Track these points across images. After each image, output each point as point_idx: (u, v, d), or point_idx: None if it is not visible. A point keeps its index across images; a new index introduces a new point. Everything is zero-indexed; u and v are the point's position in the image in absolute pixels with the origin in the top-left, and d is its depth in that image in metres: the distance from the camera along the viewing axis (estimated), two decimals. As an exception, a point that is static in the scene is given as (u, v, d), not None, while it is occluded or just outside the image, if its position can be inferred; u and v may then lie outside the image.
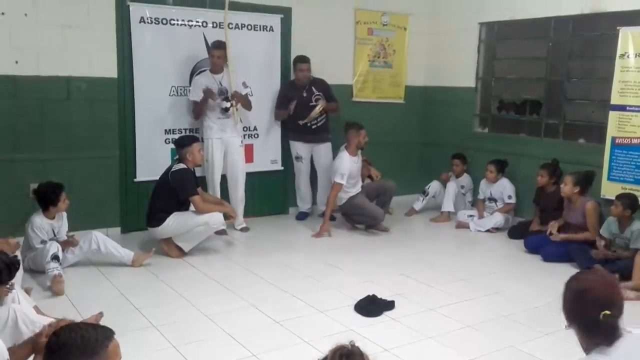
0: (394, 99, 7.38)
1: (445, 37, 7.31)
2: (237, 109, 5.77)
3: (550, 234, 5.37)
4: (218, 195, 5.84)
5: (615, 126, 5.59)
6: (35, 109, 5.23)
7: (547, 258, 5.25)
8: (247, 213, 6.10)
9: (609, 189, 5.62)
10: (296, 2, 6.42)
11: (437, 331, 3.71)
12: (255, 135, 6.38)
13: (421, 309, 4.09)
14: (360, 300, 4.08)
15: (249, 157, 6.17)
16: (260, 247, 5.53)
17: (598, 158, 5.69)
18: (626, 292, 4.32)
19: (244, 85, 5.86)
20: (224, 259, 5.17)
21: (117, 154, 5.66)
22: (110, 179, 5.65)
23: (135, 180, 5.74)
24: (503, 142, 6.74)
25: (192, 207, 5.15)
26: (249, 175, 6.09)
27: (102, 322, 3.45)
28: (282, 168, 6.62)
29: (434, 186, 6.91)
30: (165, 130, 5.84)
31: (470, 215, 6.46)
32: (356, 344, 1.83)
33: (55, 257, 4.28)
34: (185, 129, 5.91)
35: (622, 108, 5.54)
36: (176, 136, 5.70)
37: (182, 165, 5.07)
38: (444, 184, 6.86)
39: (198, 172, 5.64)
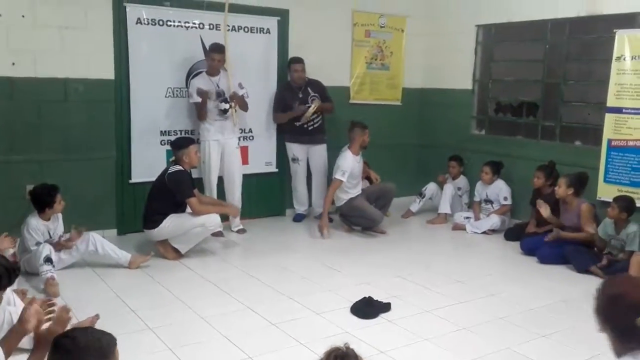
0: (391, 101, 7.39)
1: (442, 39, 7.32)
2: (235, 110, 5.77)
3: (548, 232, 5.38)
4: (215, 197, 5.84)
5: (612, 128, 5.60)
6: (32, 110, 5.23)
7: (543, 260, 5.25)
8: (244, 215, 6.10)
9: (605, 191, 5.64)
10: (293, 4, 6.43)
11: (433, 333, 3.71)
12: (251, 137, 6.38)
13: (417, 311, 4.09)
14: (357, 302, 4.08)
15: (244, 159, 6.16)
16: (257, 249, 5.52)
17: (594, 160, 5.70)
18: (622, 294, 4.33)
19: (240, 86, 5.87)
20: (221, 261, 5.17)
21: (113, 155, 5.65)
22: (107, 180, 5.65)
23: (131, 181, 5.74)
24: (500, 144, 6.75)
25: (188, 209, 5.15)
26: (245, 177, 6.08)
27: (97, 325, 3.45)
28: (277, 170, 6.62)
29: (430, 188, 6.91)
30: (162, 131, 5.83)
31: (467, 217, 6.46)
32: (351, 346, 1.84)
33: (48, 260, 4.27)
34: (182, 131, 5.90)
35: (618, 110, 5.55)
36: (172, 138, 5.70)
37: (178, 167, 5.07)
38: (441, 185, 6.86)
39: (194, 174, 5.64)
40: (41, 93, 5.22)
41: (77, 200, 5.18)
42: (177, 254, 5.11)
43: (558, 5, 6.05)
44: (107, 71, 5.51)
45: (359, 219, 6.05)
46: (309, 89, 6.33)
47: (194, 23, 5.86)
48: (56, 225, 4.69)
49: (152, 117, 5.76)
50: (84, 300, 4.09)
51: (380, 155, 6.83)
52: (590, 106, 6.07)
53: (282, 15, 6.40)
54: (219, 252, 5.40)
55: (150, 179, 5.29)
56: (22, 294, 3.86)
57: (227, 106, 5.71)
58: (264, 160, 6.55)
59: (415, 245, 5.89)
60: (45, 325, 2.66)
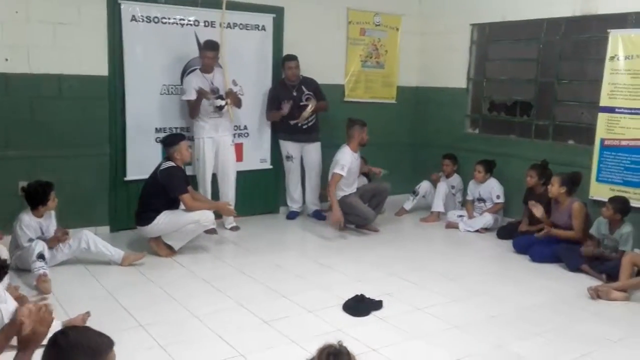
0: (385, 99, 7.40)
1: (437, 37, 7.33)
2: (231, 107, 5.77)
3: (539, 230, 5.41)
4: (209, 193, 5.84)
5: (604, 128, 5.63)
6: (26, 106, 5.21)
7: (536, 258, 5.27)
8: (238, 212, 6.07)
9: (598, 190, 5.66)
10: (288, 2, 6.42)
11: (425, 331, 3.73)
12: (246, 134, 6.38)
13: (409, 308, 4.10)
14: (349, 299, 4.09)
15: (238, 156, 6.16)
16: (250, 247, 5.52)
17: (587, 159, 5.73)
18: (613, 293, 4.37)
19: (234, 83, 5.87)
20: (214, 259, 5.17)
21: (107, 152, 5.64)
22: (100, 177, 5.64)
23: (126, 179, 5.72)
24: (494, 142, 6.77)
25: (182, 206, 5.15)
26: (239, 174, 6.08)
27: (89, 322, 3.45)
28: (272, 167, 6.62)
29: (424, 186, 6.93)
30: (156, 129, 5.82)
31: (460, 216, 6.48)
32: (344, 344, 1.84)
33: (40, 256, 4.27)
34: (176, 128, 5.89)
35: (611, 110, 5.57)
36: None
37: (171, 163, 5.06)
38: (435, 184, 6.88)
39: (189, 171, 5.65)
40: (35, 89, 5.21)
41: (70, 197, 5.17)
42: (170, 251, 5.11)
43: (552, 5, 6.06)
44: (101, 68, 5.49)
45: (352, 217, 6.05)
46: (303, 87, 6.33)
47: (189, 20, 5.85)
48: (49, 222, 4.68)
49: (146, 114, 5.75)
50: (76, 297, 4.09)
51: (374, 153, 6.83)
52: (584, 105, 6.09)
53: (277, 13, 6.39)
54: (212, 250, 5.40)
55: (145, 176, 5.27)
56: (14, 290, 3.86)
57: (222, 103, 5.70)
58: (258, 157, 6.54)
59: (408, 243, 5.90)
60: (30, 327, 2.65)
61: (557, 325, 3.91)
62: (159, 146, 5.72)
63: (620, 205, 4.88)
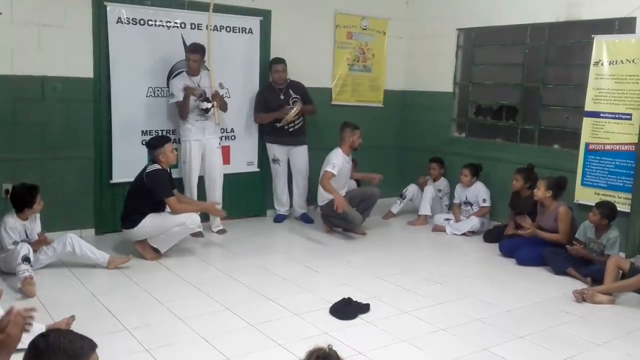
0: (372, 103, 7.42)
1: (423, 42, 7.37)
2: (217, 109, 5.75)
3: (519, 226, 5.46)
4: (195, 196, 5.81)
5: (589, 132, 5.68)
6: (9, 108, 5.15)
7: (522, 262, 5.30)
8: (224, 216, 6.06)
9: (583, 194, 5.71)
10: (276, 5, 6.42)
11: (411, 334, 3.73)
12: (232, 137, 6.36)
13: (396, 311, 4.10)
14: (336, 303, 4.08)
15: (225, 159, 6.15)
16: (237, 250, 5.50)
17: (572, 163, 5.78)
18: (598, 296, 4.40)
19: (221, 86, 5.85)
20: (200, 262, 5.14)
21: (92, 154, 5.60)
22: (85, 180, 5.59)
23: (111, 181, 5.68)
24: (480, 146, 6.81)
25: (168, 209, 5.12)
26: (226, 176, 6.06)
27: (74, 325, 3.41)
28: (259, 170, 6.61)
29: (411, 189, 6.94)
30: (142, 131, 5.78)
31: (447, 219, 6.51)
32: (333, 347, 1.84)
33: (26, 259, 4.22)
34: (162, 130, 5.86)
35: (595, 115, 5.63)
36: (153, 137, 5.66)
37: (156, 166, 5.03)
38: (421, 187, 6.90)
39: (175, 174, 5.61)
40: (18, 91, 5.15)
41: (55, 199, 5.11)
42: (156, 254, 5.08)
43: (537, 10, 6.12)
44: (86, 70, 5.45)
45: (339, 221, 6.05)
46: (290, 90, 6.33)
47: (176, 22, 5.82)
48: (34, 225, 4.64)
49: (132, 116, 5.71)
50: (61, 300, 4.05)
51: (361, 157, 6.83)
52: (569, 110, 6.15)
53: (264, 16, 6.39)
54: (199, 253, 5.37)
55: (130, 179, 5.23)
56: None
57: (209, 105, 5.68)
58: (245, 160, 6.53)
59: (395, 246, 5.91)
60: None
61: (543, 328, 3.92)
62: (145, 149, 5.67)
63: (607, 211, 4.91)
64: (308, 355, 1.81)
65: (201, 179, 5.92)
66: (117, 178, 5.67)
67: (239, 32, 6.24)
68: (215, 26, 5.97)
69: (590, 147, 5.69)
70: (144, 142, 5.71)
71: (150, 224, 4.98)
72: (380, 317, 3.98)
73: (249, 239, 5.86)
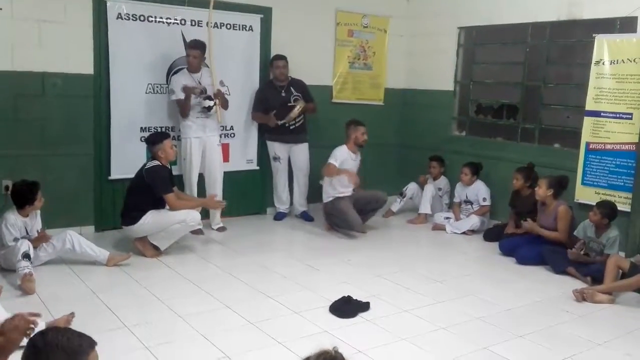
0: (373, 101, 7.41)
1: (424, 40, 7.36)
2: (219, 108, 5.74)
3: (526, 233, 5.44)
4: (195, 193, 5.80)
5: (590, 132, 5.68)
6: (10, 104, 5.14)
7: (522, 261, 5.30)
8: (225, 213, 6.06)
9: (583, 194, 5.71)
10: (276, 2, 6.41)
11: (411, 333, 3.72)
12: (232, 135, 6.35)
13: (396, 310, 4.10)
14: (336, 301, 4.07)
15: (225, 156, 6.14)
16: (237, 248, 5.49)
17: (572, 163, 5.78)
18: (598, 295, 4.40)
19: (221, 84, 5.84)
20: (200, 259, 5.13)
21: (92, 151, 5.59)
22: (85, 176, 5.58)
23: (110, 178, 5.67)
24: (480, 145, 6.80)
25: (168, 206, 5.11)
26: (226, 174, 6.05)
27: (73, 323, 3.41)
28: (258, 168, 6.60)
29: (411, 188, 6.93)
30: (141, 128, 5.77)
31: (447, 218, 6.50)
32: (339, 349, 1.80)
33: (26, 256, 4.22)
34: (162, 127, 5.85)
35: (596, 114, 5.62)
36: (152, 134, 5.64)
37: (156, 163, 5.02)
38: (422, 186, 6.89)
39: (175, 171, 5.61)
40: (18, 87, 5.14)
41: (54, 196, 5.10)
42: (156, 252, 5.07)
43: (538, 9, 6.11)
44: (86, 66, 5.44)
45: (339, 220, 6.02)
46: (291, 88, 6.31)
47: (176, 19, 5.81)
48: (34, 221, 4.63)
49: (132, 113, 5.70)
50: (60, 298, 4.04)
51: (362, 155, 6.83)
52: (570, 109, 6.14)
53: (265, 13, 6.37)
54: (199, 250, 5.37)
55: (130, 176, 5.23)
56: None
57: (211, 103, 5.67)
58: (245, 157, 6.52)
59: (395, 245, 5.91)
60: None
61: (542, 327, 3.92)
62: (144, 145, 5.66)
63: (608, 210, 4.91)
64: (315, 358, 1.76)
65: (201, 177, 5.91)
66: (115, 174, 5.67)
67: (240, 29, 6.23)
68: (216, 23, 5.95)
69: (590, 147, 5.68)
70: (143, 139, 5.70)
71: (150, 221, 4.97)
72: (380, 315, 3.98)
73: (249, 237, 5.85)
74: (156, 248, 5.07)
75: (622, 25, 5.53)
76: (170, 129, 5.87)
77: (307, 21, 6.67)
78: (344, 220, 5.94)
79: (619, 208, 5.06)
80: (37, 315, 2.45)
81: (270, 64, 6.29)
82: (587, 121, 5.69)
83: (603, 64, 5.56)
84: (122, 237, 5.33)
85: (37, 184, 4.54)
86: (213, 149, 5.86)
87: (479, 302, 4.34)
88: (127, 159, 5.63)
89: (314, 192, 6.74)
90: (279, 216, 6.59)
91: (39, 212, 4.66)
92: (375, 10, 7.21)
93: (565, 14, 5.90)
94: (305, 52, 6.60)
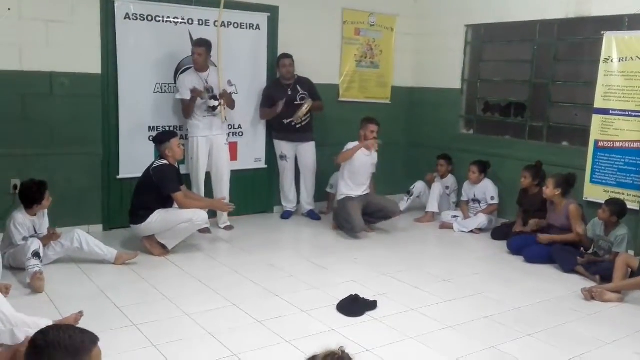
0: (380, 100, 7.39)
1: (432, 38, 7.34)
2: (224, 108, 5.74)
3: (534, 232, 5.41)
4: (202, 192, 5.82)
5: (598, 129, 5.65)
6: (18, 104, 5.17)
7: (530, 259, 5.28)
8: (232, 211, 6.06)
9: (592, 192, 5.68)
10: (283, 1, 6.40)
11: (418, 331, 3.71)
12: (240, 134, 6.36)
13: (403, 309, 4.09)
14: (343, 300, 4.07)
15: (233, 155, 6.15)
16: (244, 246, 5.50)
17: (581, 161, 5.74)
18: (607, 294, 4.38)
19: (229, 83, 5.84)
20: (207, 258, 5.14)
21: (100, 150, 5.61)
22: (93, 175, 5.60)
23: (118, 177, 5.69)
24: (488, 143, 6.78)
25: (175, 205, 5.12)
26: (233, 173, 6.06)
27: (82, 321, 3.42)
28: (266, 166, 6.61)
29: (418, 186, 6.92)
30: (149, 127, 5.79)
31: (455, 216, 6.48)
32: (345, 350, 1.79)
33: (36, 254, 4.23)
34: (169, 127, 5.87)
35: (605, 112, 5.59)
36: (160, 134, 5.66)
37: (163, 162, 5.04)
38: (429, 184, 6.88)
39: (182, 170, 5.62)
40: (27, 86, 5.16)
41: (62, 195, 5.13)
42: (163, 250, 5.08)
43: (547, 7, 6.08)
44: (94, 65, 5.46)
45: (343, 221, 5.97)
46: (298, 86, 6.31)
47: (183, 18, 5.82)
48: (42, 221, 4.65)
49: (140, 112, 5.72)
50: (69, 296, 4.06)
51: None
52: (578, 107, 6.11)
53: (272, 12, 6.37)
54: (206, 249, 5.38)
55: (138, 175, 5.24)
56: (5, 289, 3.84)
57: (216, 103, 5.67)
58: (253, 156, 6.53)
59: (403, 243, 5.89)
60: None
61: (551, 326, 3.91)
62: (152, 144, 5.68)
63: (617, 208, 4.88)
64: (321, 359, 1.75)
65: (208, 176, 5.92)
66: (123, 174, 5.69)
67: (247, 28, 6.23)
68: (223, 22, 5.95)
69: (599, 145, 5.65)
70: (151, 138, 5.72)
71: (158, 220, 4.99)
72: (387, 314, 3.97)
73: (256, 236, 5.86)
74: (164, 247, 5.09)
75: (630, 22, 5.49)
76: (178, 128, 5.89)
77: (314, 19, 6.66)
78: (347, 221, 5.89)
79: (628, 206, 5.03)
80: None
81: (277, 62, 6.29)
82: (596, 119, 5.66)
83: (612, 61, 5.52)
84: (130, 236, 5.35)
85: (45, 183, 4.56)
86: (220, 147, 5.87)
87: (487, 301, 4.33)
88: (135, 158, 5.65)
89: (321, 191, 6.75)
90: (286, 215, 6.59)
91: (46, 211, 4.68)
92: (382, 9, 7.20)
93: (573, 11, 5.86)
94: (312, 51, 6.60)
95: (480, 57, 7.00)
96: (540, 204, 5.53)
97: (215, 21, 5.73)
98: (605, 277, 4.67)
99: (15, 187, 4.85)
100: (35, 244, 4.30)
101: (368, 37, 7.16)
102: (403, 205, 6.86)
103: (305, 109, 6.18)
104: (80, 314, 3.55)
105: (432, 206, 6.67)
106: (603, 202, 5.09)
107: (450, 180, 6.87)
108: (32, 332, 2.72)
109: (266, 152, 6.58)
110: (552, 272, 5.08)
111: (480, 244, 5.98)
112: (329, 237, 5.93)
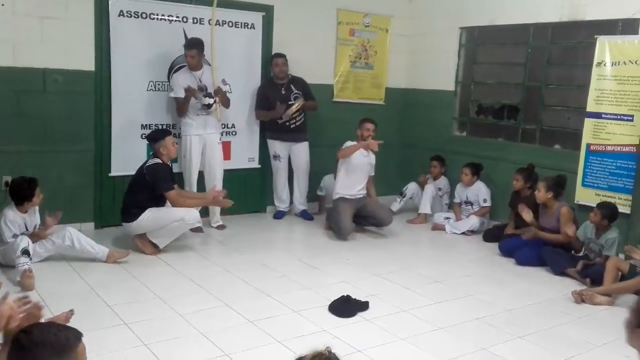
0: (374, 100, 7.40)
1: (426, 40, 7.35)
2: (219, 106, 5.73)
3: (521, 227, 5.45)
4: (194, 191, 5.79)
5: (591, 133, 5.67)
6: (10, 100, 5.13)
7: (521, 261, 5.29)
8: (224, 211, 6.05)
9: (583, 195, 5.71)
10: (278, 0, 6.40)
11: (410, 333, 3.72)
12: (233, 133, 6.35)
13: (395, 310, 4.10)
14: (335, 300, 4.08)
15: (226, 154, 6.14)
16: (237, 246, 5.49)
17: (573, 164, 5.77)
18: (597, 297, 4.40)
19: (224, 82, 5.82)
20: (199, 257, 5.13)
21: (92, 147, 5.58)
22: (85, 172, 5.57)
23: (110, 174, 5.67)
24: (481, 145, 6.80)
25: (168, 203, 5.11)
26: (226, 172, 6.05)
27: (72, 319, 3.40)
28: (259, 166, 6.60)
29: (411, 188, 6.93)
30: (142, 125, 5.77)
31: (447, 218, 6.50)
32: (332, 350, 1.79)
33: (25, 252, 4.22)
34: (162, 125, 5.85)
35: (597, 115, 5.62)
36: (153, 132, 5.64)
37: (157, 160, 5.03)
38: (422, 186, 6.89)
39: (175, 169, 5.61)
40: (19, 83, 5.14)
41: (54, 192, 5.11)
42: (155, 249, 5.07)
43: (541, 10, 6.10)
44: (87, 63, 5.43)
45: (332, 221, 5.97)
46: (292, 86, 6.31)
47: (177, 16, 5.81)
48: (33, 218, 4.64)
49: (133, 110, 5.70)
50: (60, 294, 4.04)
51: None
52: (570, 110, 6.14)
53: (267, 11, 6.37)
54: (198, 248, 5.37)
55: (130, 173, 5.23)
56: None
57: (211, 101, 5.66)
58: (246, 156, 6.52)
59: (395, 244, 5.90)
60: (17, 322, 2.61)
61: (541, 328, 3.92)
62: (145, 142, 5.67)
63: (609, 212, 4.91)
64: (309, 359, 1.75)
65: (201, 174, 5.91)
66: (115, 171, 5.67)
67: (241, 27, 6.22)
68: (217, 21, 5.95)
69: (591, 148, 5.68)
70: (143, 136, 5.71)
71: (150, 218, 4.97)
72: (379, 315, 3.98)
73: (248, 235, 5.85)
74: (155, 246, 5.07)
75: (624, 26, 5.52)
76: (171, 127, 5.87)
77: (309, 20, 6.66)
78: (336, 223, 5.87)
79: (619, 210, 5.06)
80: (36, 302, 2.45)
81: (270, 61, 6.29)
82: (588, 122, 5.68)
83: (604, 65, 5.55)
84: (122, 234, 5.33)
85: (36, 180, 4.54)
86: (213, 146, 5.86)
87: (478, 303, 4.34)
88: (127, 156, 5.63)
89: (314, 191, 6.74)
90: (279, 215, 6.59)
91: (37, 208, 4.66)
92: (376, 10, 7.21)
93: (567, 15, 5.89)
94: (306, 51, 6.60)
95: (474, 60, 7.02)
96: (533, 207, 5.54)
97: (210, 20, 5.71)
98: (596, 280, 4.69)
99: (7, 183, 4.82)
100: (24, 242, 4.28)
101: (362, 38, 7.17)
102: (395, 207, 6.88)
103: (295, 107, 6.17)
104: (71, 312, 3.51)
105: (425, 208, 6.68)
106: (594, 205, 5.12)
107: (442, 182, 6.89)
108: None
109: (259, 151, 6.58)
110: (543, 275, 5.10)
111: (472, 245, 6.00)
112: (322, 238, 5.93)
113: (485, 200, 6.35)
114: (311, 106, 6.41)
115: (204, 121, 5.75)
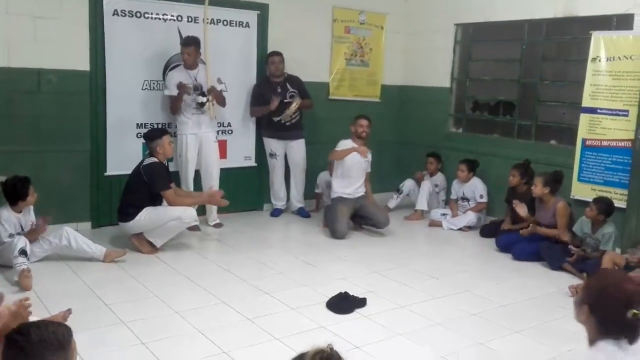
0: (370, 98, 7.40)
1: (421, 37, 7.36)
2: (212, 104, 5.73)
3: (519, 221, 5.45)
4: (191, 190, 5.78)
5: (586, 128, 5.68)
6: (5, 100, 5.12)
7: (518, 257, 5.31)
8: (221, 209, 6.05)
9: (579, 190, 5.72)
10: (273, -1, 6.41)
11: (407, 328, 3.73)
12: (229, 131, 6.35)
13: (392, 306, 4.11)
14: (332, 297, 4.09)
15: (222, 153, 6.13)
16: (234, 244, 5.49)
17: (569, 159, 5.78)
18: (593, 291, 4.40)
19: (219, 81, 5.82)
20: (196, 256, 5.13)
21: (88, 147, 5.57)
22: (81, 172, 5.57)
23: (106, 174, 5.67)
24: (477, 142, 6.81)
25: (165, 202, 5.10)
26: (223, 171, 6.05)
27: (70, 318, 3.40)
28: (256, 164, 6.60)
29: (408, 184, 6.94)
30: (137, 124, 5.77)
31: (444, 214, 6.52)
32: (334, 347, 1.79)
33: (22, 252, 4.21)
34: (158, 124, 5.84)
35: (592, 111, 5.63)
36: (149, 131, 5.63)
37: (153, 159, 5.02)
38: (418, 182, 6.90)
39: (171, 168, 5.60)
40: (14, 83, 5.12)
41: (50, 192, 5.11)
42: (152, 248, 5.06)
43: (535, 6, 6.11)
44: (82, 62, 5.42)
45: (328, 220, 5.97)
46: (287, 84, 6.31)
47: (172, 15, 5.80)
48: (27, 217, 4.63)
49: (128, 109, 5.69)
50: (57, 294, 4.03)
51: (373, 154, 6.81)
52: (566, 106, 6.14)
53: (262, 9, 6.36)
54: (195, 247, 5.37)
55: (126, 172, 5.23)
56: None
57: (204, 99, 5.65)
58: (242, 154, 6.52)
59: (392, 241, 5.91)
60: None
61: (538, 322, 3.94)
62: (140, 142, 5.67)
63: (605, 207, 4.93)
64: (310, 357, 1.74)
65: (197, 173, 5.91)
66: (111, 171, 5.66)
67: (236, 25, 6.22)
68: (212, 20, 5.95)
69: (587, 143, 5.69)
70: (139, 135, 5.70)
71: (147, 218, 4.97)
72: (376, 311, 3.99)
73: (245, 233, 5.85)
74: (152, 245, 5.07)
75: (618, 22, 5.53)
76: (166, 126, 5.87)
77: (304, 17, 6.66)
78: (332, 223, 5.86)
79: (615, 205, 5.07)
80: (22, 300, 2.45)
81: (266, 60, 6.28)
82: (584, 118, 5.70)
83: (599, 60, 5.56)
84: (119, 234, 5.32)
85: (29, 179, 4.53)
86: (209, 145, 5.85)
87: (475, 298, 4.35)
88: (123, 155, 5.63)
89: (311, 189, 6.75)
90: (276, 212, 6.59)
91: (31, 207, 4.66)
92: (372, 7, 7.21)
93: (561, 11, 5.90)
94: (302, 49, 6.60)
95: (469, 56, 7.03)
96: (529, 202, 5.56)
97: (204, 18, 5.71)
98: (591, 274, 4.70)
99: (1, 183, 4.81)
100: (21, 242, 4.27)
101: (358, 36, 7.17)
102: (392, 203, 6.89)
103: (293, 107, 6.18)
104: (69, 311, 3.52)
105: (422, 204, 6.69)
106: (590, 200, 5.14)
107: (439, 178, 6.90)
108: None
109: (256, 150, 6.58)
110: (540, 270, 5.11)
111: (469, 241, 6.01)
112: (319, 235, 5.93)
113: (481, 196, 6.37)
114: (307, 105, 6.42)
115: (199, 120, 5.74)
